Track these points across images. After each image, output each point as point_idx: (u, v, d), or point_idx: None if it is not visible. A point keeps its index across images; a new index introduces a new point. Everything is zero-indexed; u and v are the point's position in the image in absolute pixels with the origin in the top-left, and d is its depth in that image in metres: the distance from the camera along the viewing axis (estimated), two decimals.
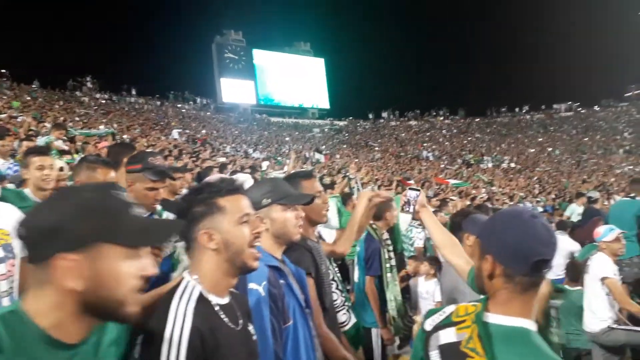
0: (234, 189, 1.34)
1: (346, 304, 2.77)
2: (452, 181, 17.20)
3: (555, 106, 54.50)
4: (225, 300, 1.30)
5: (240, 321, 1.29)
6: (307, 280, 2.04)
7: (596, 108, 54.50)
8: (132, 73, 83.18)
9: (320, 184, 2.43)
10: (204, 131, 26.36)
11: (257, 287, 1.52)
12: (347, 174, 8.74)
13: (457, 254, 1.98)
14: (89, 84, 33.33)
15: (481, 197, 14.10)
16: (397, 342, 4.01)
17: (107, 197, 0.98)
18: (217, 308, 1.24)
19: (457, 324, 1.17)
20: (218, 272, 1.28)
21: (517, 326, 1.11)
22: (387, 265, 3.41)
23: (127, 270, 0.95)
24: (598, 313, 3.80)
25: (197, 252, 1.29)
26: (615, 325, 3.76)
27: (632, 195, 5.72)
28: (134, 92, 36.34)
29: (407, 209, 2.22)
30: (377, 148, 33.73)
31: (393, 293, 3.37)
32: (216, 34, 47.45)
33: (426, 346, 1.20)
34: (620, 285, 3.87)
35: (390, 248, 3.52)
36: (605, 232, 3.96)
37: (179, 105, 38.28)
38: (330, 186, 8.21)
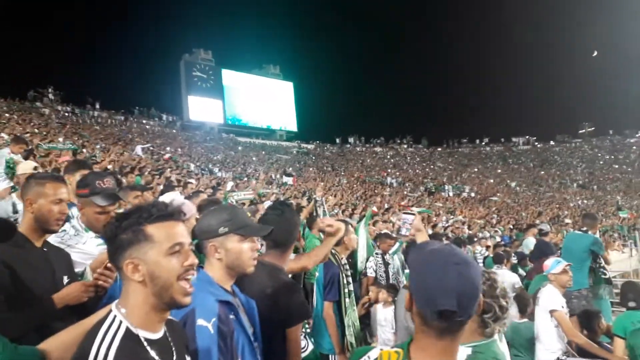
0: (167, 214, 1.21)
1: (304, 329, 2.75)
2: (415, 209, 17.52)
3: (513, 139, 56.71)
4: (157, 334, 1.19)
5: (175, 356, 1.20)
6: (299, 326, 1.98)
7: (552, 143, 57.04)
8: (96, 86, 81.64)
9: None
10: (168, 148, 25.95)
11: (206, 324, 1.44)
12: (315, 196, 8.81)
13: None
14: (50, 95, 32.33)
15: (441, 225, 14.43)
16: None
17: None
18: (146, 344, 1.14)
19: None
20: (146, 306, 1.17)
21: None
22: (346, 290, 3.38)
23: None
24: (547, 345, 3.85)
25: (125, 283, 1.18)
26: (564, 357, 3.80)
27: (584, 229, 5.90)
28: (97, 105, 35.49)
29: (403, 232, 2.28)
30: (342, 173, 34.04)
31: (351, 319, 3.35)
32: (185, 52, 47.35)
33: None
34: (567, 318, 3.92)
35: (349, 273, 3.49)
36: (553, 265, 4.07)
37: (144, 121, 37.60)
38: (297, 209, 8.25)
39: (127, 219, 1.18)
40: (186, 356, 1.26)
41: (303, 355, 2.58)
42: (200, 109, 44.09)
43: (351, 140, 50.39)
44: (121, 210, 1.29)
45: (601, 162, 49.93)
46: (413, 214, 2.30)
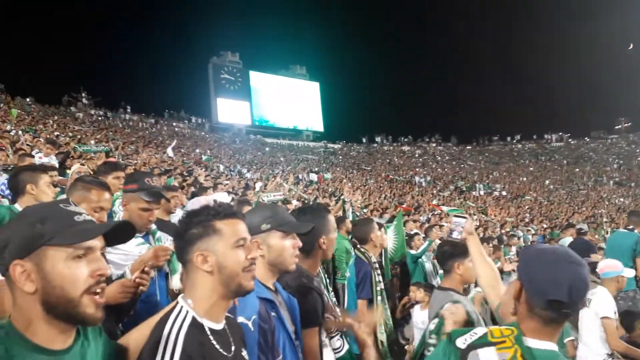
0: (232, 213, 1.33)
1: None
2: (445, 208, 17.26)
3: (546, 136, 55.30)
4: (219, 325, 1.28)
5: (233, 347, 1.28)
6: (314, 331, 1.95)
7: (586, 139, 55.36)
8: (128, 91, 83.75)
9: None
10: (198, 150, 26.38)
11: (246, 321, 1.48)
12: (342, 197, 8.77)
13: (491, 286, 2.01)
14: (84, 100, 33.38)
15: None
16: None
17: (50, 207, 1.07)
18: (210, 334, 1.23)
19: (496, 344, 1.25)
20: (213, 295, 1.27)
21: (550, 349, 1.23)
22: (378, 288, 3.38)
23: (74, 270, 1.01)
24: (594, 348, 3.75)
25: (192, 274, 1.28)
26: None
27: (630, 227, 5.73)
28: (129, 109, 36.44)
29: (454, 235, 2.28)
30: (370, 172, 33.87)
31: (383, 317, 3.34)
32: (213, 55, 48.17)
33: None
34: (615, 327, 3.79)
35: (379, 272, 3.50)
36: (610, 273, 3.91)
37: (174, 124, 38.39)
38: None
39: (197, 216, 1.30)
40: (242, 349, 1.33)
41: (338, 355, 2.57)
42: (229, 110, 44.72)
43: (378, 139, 50.13)
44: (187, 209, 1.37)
45: (639, 159, 48.12)
46: (465, 217, 2.29)
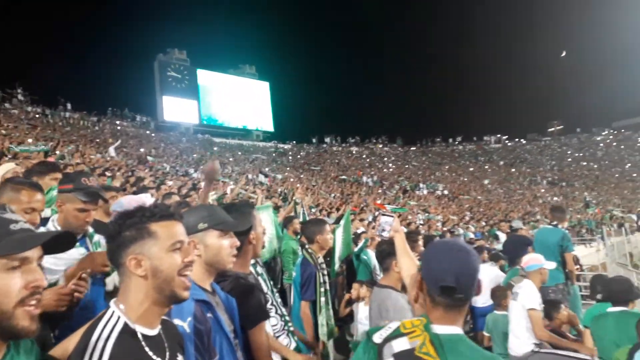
0: (168, 214, 1.28)
1: (286, 328, 2.75)
2: (389, 207, 17.75)
3: (485, 138, 57.86)
4: (154, 331, 1.23)
5: (168, 353, 1.24)
6: (262, 327, 1.98)
7: (522, 141, 58.44)
8: (68, 87, 79.68)
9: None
10: (142, 150, 25.62)
11: (181, 323, 1.46)
12: (295, 198, 8.86)
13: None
14: (19, 96, 31.44)
15: (418, 223, 14.72)
16: None
17: None
18: (142, 340, 1.18)
19: (408, 334, 1.34)
20: (146, 301, 1.22)
21: (454, 333, 1.34)
22: (322, 289, 3.40)
23: (7, 282, 0.96)
24: (522, 338, 3.92)
25: (125, 278, 1.23)
26: (537, 350, 3.87)
27: (554, 223, 5.93)
28: (69, 106, 34.67)
29: (383, 233, 2.44)
30: (320, 172, 34.17)
31: (325, 317, 3.37)
32: (159, 52, 46.65)
33: (380, 356, 1.34)
34: (541, 317, 3.98)
35: (325, 272, 3.52)
36: (533, 265, 4.09)
37: (117, 122, 36.93)
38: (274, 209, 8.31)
39: (131, 218, 1.24)
40: (178, 355, 1.30)
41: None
42: (175, 109, 43.57)
43: (328, 139, 50.53)
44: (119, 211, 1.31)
45: (569, 160, 51.41)
46: (392, 216, 2.44)
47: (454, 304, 1.34)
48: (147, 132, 37.40)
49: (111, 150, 19.33)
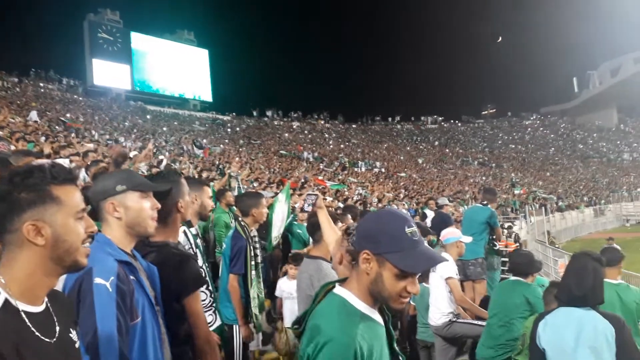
0: (71, 178, 1.16)
1: (214, 305, 2.77)
2: (329, 183, 17.88)
3: (422, 118, 59.60)
4: (39, 307, 1.09)
5: (57, 329, 1.11)
6: (197, 295, 1.99)
7: (457, 123, 60.79)
8: None
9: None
10: (68, 115, 23.93)
11: (104, 282, 1.43)
12: (230, 171, 8.64)
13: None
14: None
15: (354, 199, 14.90)
16: (261, 337, 4.08)
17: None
18: (25, 319, 1.03)
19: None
20: (38, 272, 1.08)
21: (337, 294, 1.34)
22: (252, 262, 3.41)
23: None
24: (442, 308, 4.16)
25: (12, 247, 1.07)
26: (454, 319, 4.13)
27: (484, 202, 6.25)
28: None
29: (306, 208, 2.57)
30: (260, 146, 33.70)
31: (257, 291, 3.40)
32: (89, 12, 43.45)
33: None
34: (459, 284, 4.32)
35: (257, 245, 3.53)
36: (450, 238, 4.35)
37: (42, 84, 34.23)
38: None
39: (28, 177, 1.08)
40: (71, 329, 1.17)
41: (211, 328, 2.61)
42: (106, 73, 41.03)
43: (269, 113, 49.79)
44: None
45: (499, 142, 54.24)
46: (316, 194, 2.59)
47: (356, 258, 1.36)
48: (75, 96, 34.98)
49: (33, 114, 17.91)
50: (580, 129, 60.30)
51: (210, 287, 2.77)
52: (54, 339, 1.09)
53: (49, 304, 1.13)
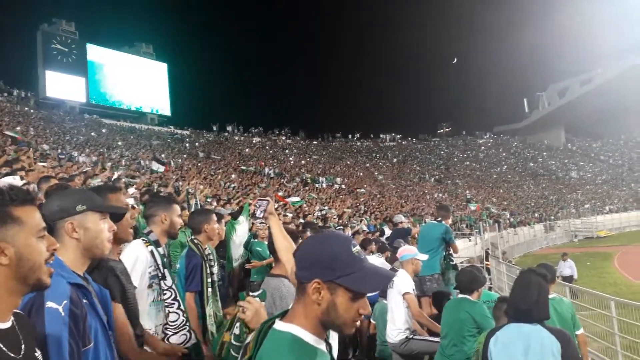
0: (30, 199, 1.19)
1: (187, 324, 2.75)
2: (290, 199, 17.89)
3: (381, 136, 60.73)
4: (6, 324, 1.13)
5: (23, 347, 1.14)
6: (115, 306, 1.94)
7: (414, 140, 62.33)
8: None
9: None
10: (19, 128, 22.92)
11: (56, 306, 1.39)
12: (187, 188, 8.51)
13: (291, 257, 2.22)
14: None
15: (315, 215, 14.95)
16: None
17: None
18: None
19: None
20: (1, 291, 1.12)
21: (286, 331, 1.23)
22: (209, 279, 3.36)
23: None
24: (398, 324, 4.23)
25: None
26: (411, 336, 4.20)
27: (439, 219, 6.44)
28: None
29: (258, 214, 2.47)
30: (220, 161, 33.27)
31: (213, 309, 3.35)
32: (43, 22, 42.02)
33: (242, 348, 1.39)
34: (416, 300, 4.40)
35: (213, 263, 3.48)
36: (406, 255, 4.47)
37: None
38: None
39: None
40: (35, 349, 1.19)
41: (186, 347, 2.67)
42: (60, 85, 39.59)
43: (229, 128, 49.31)
44: None
45: (455, 160, 55.87)
46: (267, 200, 2.48)
47: (298, 289, 1.27)
48: (26, 108, 33.54)
49: None
50: (531, 148, 63.00)
51: (182, 307, 2.76)
52: (20, 355, 1.12)
53: (15, 323, 1.16)
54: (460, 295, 3.83)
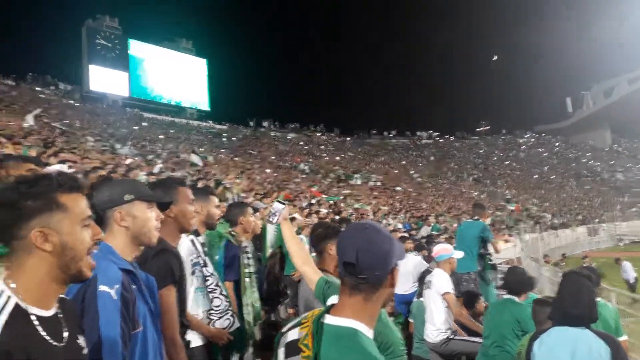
0: (77, 186, 1.19)
1: (230, 309, 2.82)
2: (324, 196, 17.94)
3: (418, 133, 59.90)
4: (49, 312, 1.13)
5: (66, 334, 1.14)
6: (169, 289, 2.00)
7: (452, 138, 61.16)
8: None
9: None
10: (66, 120, 23.86)
11: (108, 290, 1.43)
12: (224, 183, 8.66)
13: (307, 263, 2.27)
14: None
15: (349, 212, 14.91)
16: (251, 350, 4.05)
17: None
18: (36, 322, 1.07)
19: (302, 324, 1.29)
20: (47, 279, 1.11)
21: (345, 326, 1.22)
22: (246, 270, 3.45)
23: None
24: (438, 324, 4.17)
25: (20, 254, 1.10)
26: (452, 337, 4.15)
27: (475, 217, 6.36)
28: None
29: (272, 219, 2.49)
30: (256, 157, 33.68)
31: (250, 299, 3.42)
32: (88, 18, 43.59)
33: (277, 345, 1.33)
34: (456, 300, 4.34)
35: (250, 255, 3.57)
36: (443, 255, 4.39)
37: (38, 89, 34.15)
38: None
39: (35, 186, 1.11)
40: (78, 336, 1.20)
41: (230, 331, 2.74)
42: (103, 79, 40.99)
43: (265, 123, 49.81)
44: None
45: (494, 159, 54.51)
46: (284, 204, 2.53)
47: (357, 286, 1.24)
48: (71, 101, 34.89)
49: (29, 118, 17.83)
50: (574, 148, 60.77)
51: (224, 292, 2.83)
52: (63, 343, 1.12)
53: (58, 310, 1.16)
54: (506, 296, 3.74)
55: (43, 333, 1.07)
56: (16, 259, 1.10)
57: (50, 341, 1.08)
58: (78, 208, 1.16)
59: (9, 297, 1.06)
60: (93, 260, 1.20)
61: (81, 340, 1.21)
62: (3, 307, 1.04)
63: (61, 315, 1.16)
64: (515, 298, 3.66)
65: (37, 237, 1.09)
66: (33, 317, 1.07)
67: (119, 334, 1.40)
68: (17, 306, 1.05)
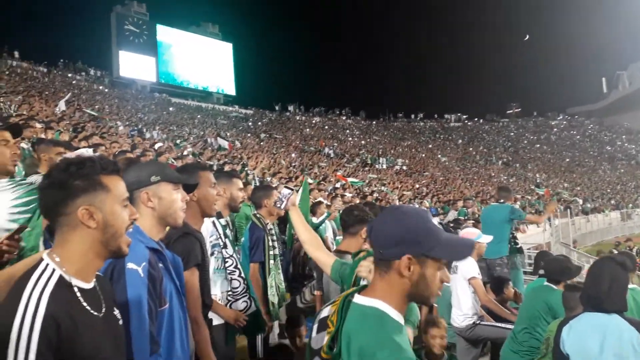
0: (117, 169, 1.29)
1: (247, 291, 2.85)
2: (350, 179, 17.89)
3: (446, 116, 58.80)
4: (89, 285, 1.23)
5: (104, 306, 1.24)
6: (192, 271, 2.06)
7: (481, 121, 59.81)
8: (16, 35, 74.43)
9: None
10: (97, 106, 24.39)
11: (136, 267, 1.49)
12: (246, 168, 8.72)
13: (319, 249, 2.28)
14: None
15: (373, 196, 14.85)
16: (277, 330, 4.12)
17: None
18: (78, 294, 1.17)
19: (335, 302, 1.34)
20: (89, 254, 1.21)
21: (371, 306, 1.24)
22: (271, 252, 3.49)
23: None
24: (465, 310, 4.14)
25: (66, 229, 1.20)
26: (478, 322, 4.12)
27: (501, 201, 6.24)
28: (17, 54, 32.41)
29: (279, 205, 2.50)
30: (282, 141, 33.78)
31: (275, 280, 3.47)
32: (116, 4, 44.12)
33: (313, 322, 1.38)
34: (482, 285, 4.26)
35: (274, 237, 3.60)
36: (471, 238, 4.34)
37: (69, 75, 34.95)
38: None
39: (81, 167, 1.21)
40: (114, 309, 1.30)
41: (246, 313, 2.76)
42: (132, 65, 41.63)
43: (291, 108, 49.80)
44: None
45: (525, 142, 53.20)
46: (292, 190, 2.53)
47: (380, 264, 1.27)
48: (101, 87, 35.60)
49: (61, 104, 18.29)
50: (608, 131, 58.75)
51: (242, 274, 2.86)
52: (102, 314, 1.22)
53: (96, 284, 1.26)
54: (545, 283, 3.64)
55: (84, 303, 1.17)
56: (61, 234, 1.21)
57: (91, 311, 1.18)
58: (118, 189, 1.27)
59: (53, 270, 1.15)
60: (129, 239, 1.29)
61: (117, 313, 1.30)
62: (49, 279, 1.13)
63: (99, 289, 1.26)
64: (552, 285, 3.57)
65: (83, 214, 1.19)
66: (75, 289, 1.17)
67: (146, 309, 1.46)
68: (61, 277, 1.15)
